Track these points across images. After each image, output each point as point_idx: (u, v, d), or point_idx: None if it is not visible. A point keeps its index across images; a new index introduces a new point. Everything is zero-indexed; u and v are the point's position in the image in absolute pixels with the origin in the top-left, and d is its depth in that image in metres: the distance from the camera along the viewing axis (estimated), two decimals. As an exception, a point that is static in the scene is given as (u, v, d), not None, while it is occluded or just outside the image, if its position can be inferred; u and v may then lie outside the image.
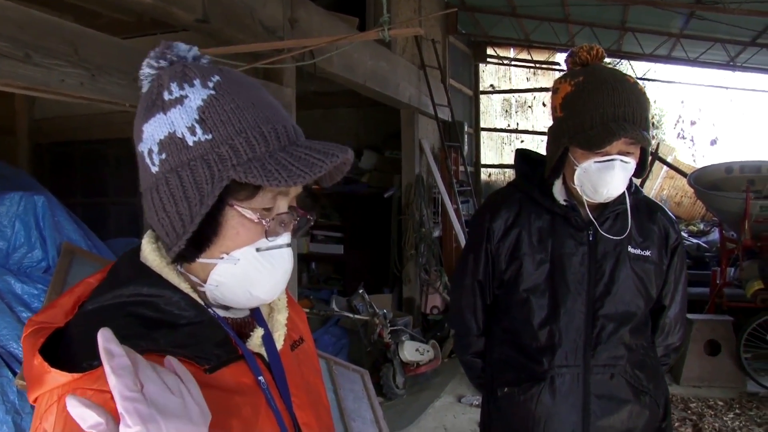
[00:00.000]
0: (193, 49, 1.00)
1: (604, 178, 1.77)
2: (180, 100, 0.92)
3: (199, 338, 0.95)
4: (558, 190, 1.93)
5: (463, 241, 7.23)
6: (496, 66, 11.31)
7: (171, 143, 0.91)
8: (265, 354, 1.04)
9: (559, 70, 11.73)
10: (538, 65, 11.83)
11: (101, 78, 2.93)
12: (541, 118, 13.68)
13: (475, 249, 2.00)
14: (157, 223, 0.95)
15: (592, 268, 1.88)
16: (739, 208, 6.34)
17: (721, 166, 7.34)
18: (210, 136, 0.89)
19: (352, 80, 5.43)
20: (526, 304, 1.91)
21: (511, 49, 11.26)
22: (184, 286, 0.98)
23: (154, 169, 0.92)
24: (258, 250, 0.96)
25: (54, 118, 5.54)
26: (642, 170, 1.87)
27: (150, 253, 1.00)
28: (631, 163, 1.79)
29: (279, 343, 1.08)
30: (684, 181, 8.88)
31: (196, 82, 0.93)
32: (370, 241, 8.20)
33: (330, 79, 5.26)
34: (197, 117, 0.90)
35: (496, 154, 11.45)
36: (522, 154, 2.10)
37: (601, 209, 1.89)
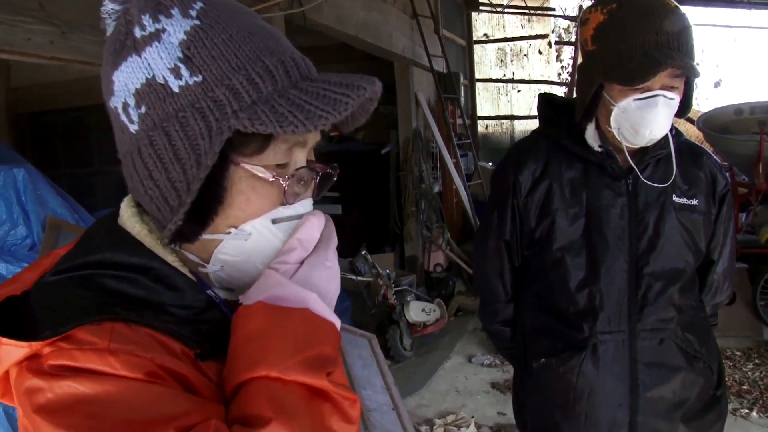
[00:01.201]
0: None
1: (645, 117, 1.56)
2: (156, 36, 0.73)
3: (191, 319, 0.76)
4: (591, 136, 1.71)
5: (465, 196, 7.06)
6: (489, 14, 11.00)
7: (151, 92, 0.72)
8: None
9: (555, 16, 11.44)
10: (532, 11, 11.53)
11: (72, 35, 2.68)
12: (538, 66, 13.41)
13: (500, 206, 1.79)
14: (144, 195, 0.77)
15: (633, 221, 1.67)
16: (753, 150, 6.09)
17: (730, 108, 7.04)
18: (200, 78, 0.71)
19: (343, 32, 5.19)
20: (560, 264, 1.71)
21: (505, -4, 10.94)
22: (171, 258, 0.79)
23: (133, 128, 0.74)
24: (275, 221, 0.78)
25: (31, 86, 5.27)
26: (686, 108, 1.66)
27: (129, 218, 0.81)
28: (676, 99, 1.58)
29: None
30: (688, 126, 8.63)
31: (174, 11, 0.74)
32: (369, 199, 8.01)
33: (321, 31, 5.01)
34: (181, 54, 0.72)
35: (492, 105, 11.23)
36: (546, 99, 1.88)
37: (641, 155, 1.68)
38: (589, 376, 1.66)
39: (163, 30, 0.72)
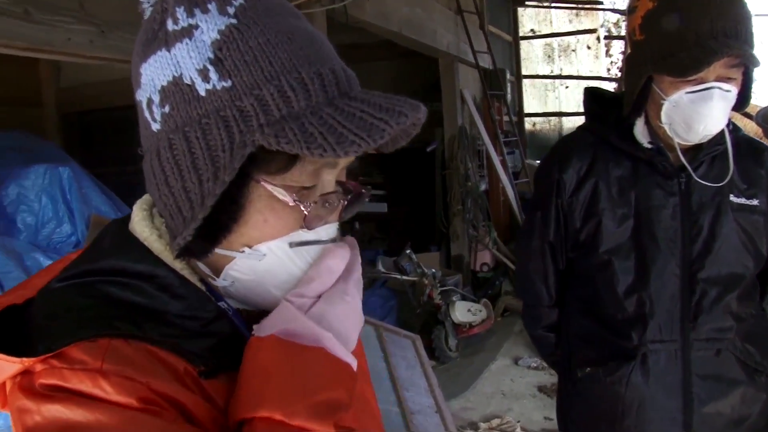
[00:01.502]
0: None
1: (699, 111, 1.45)
2: (188, 32, 0.67)
3: (196, 332, 0.71)
4: (640, 132, 1.61)
5: (512, 195, 6.93)
6: (536, 9, 10.81)
7: (176, 91, 0.67)
8: None
9: (604, 9, 11.20)
10: (580, 5, 11.28)
11: (112, 34, 2.67)
12: (586, 62, 13.13)
13: (544, 205, 1.70)
14: (159, 200, 0.72)
15: (686, 223, 1.57)
16: (816, 147, 5.81)
17: (791, 101, 6.78)
18: (228, 83, 0.65)
19: (386, 28, 5.11)
20: (607, 268, 1.61)
21: (552, -10, 10.72)
22: (179, 266, 0.74)
23: (155, 126, 0.70)
24: (291, 245, 0.72)
25: (80, 85, 5.34)
26: (744, 102, 1.54)
27: (140, 222, 0.77)
28: (733, 91, 1.46)
29: None
30: (746, 121, 8.33)
31: (212, 6, 0.68)
32: (415, 198, 7.94)
33: (363, 28, 4.95)
34: (212, 55, 0.66)
35: (539, 102, 11.05)
36: (592, 93, 1.78)
37: (694, 152, 1.57)
38: (639, 388, 1.57)
39: (196, 26, 0.67)
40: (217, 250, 0.72)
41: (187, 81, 0.66)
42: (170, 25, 0.68)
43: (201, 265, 0.76)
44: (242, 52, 0.65)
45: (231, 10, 0.67)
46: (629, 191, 1.60)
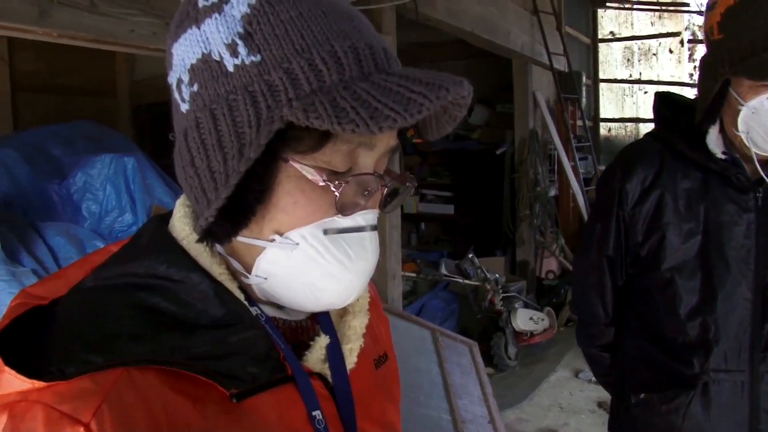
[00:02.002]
0: None
1: None
2: (218, 6, 0.64)
3: (229, 348, 0.64)
4: (714, 141, 1.48)
5: (582, 202, 6.73)
6: (617, 11, 10.47)
7: (205, 69, 0.64)
8: (328, 375, 0.73)
9: (689, 12, 10.77)
10: (663, 8, 10.88)
11: (175, 27, 2.69)
12: (668, 66, 12.67)
13: (604, 217, 1.59)
14: (185, 183, 0.68)
15: (762, 242, 1.44)
16: None
17: None
18: (258, 58, 0.62)
19: (458, 27, 5.00)
20: (670, 286, 1.49)
21: (634, -9, 10.38)
22: (218, 271, 0.68)
23: (184, 107, 0.66)
24: (326, 232, 0.67)
25: (153, 78, 5.46)
26: None
27: (180, 219, 0.73)
28: None
29: (351, 361, 0.77)
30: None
31: None
32: (482, 200, 7.81)
33: (434, 26, 4.87)
34: (241, 29, 0.63)
35: (616, 107, 10.71)
36: (664, 98, 1.65)
37: None
38: (698, 420, 1.44)
39: (227, 1, 0.64)
40: (247, 239, 0.67)
41: (216, 57, 0.63)
42: (201, 2, 0.65)
43: (234, 263, 0.70)
44: (273, 25, 0.62)
45: None
46: (698, 205, 1.48)
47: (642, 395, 1.53)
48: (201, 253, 0.69)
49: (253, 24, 0.62)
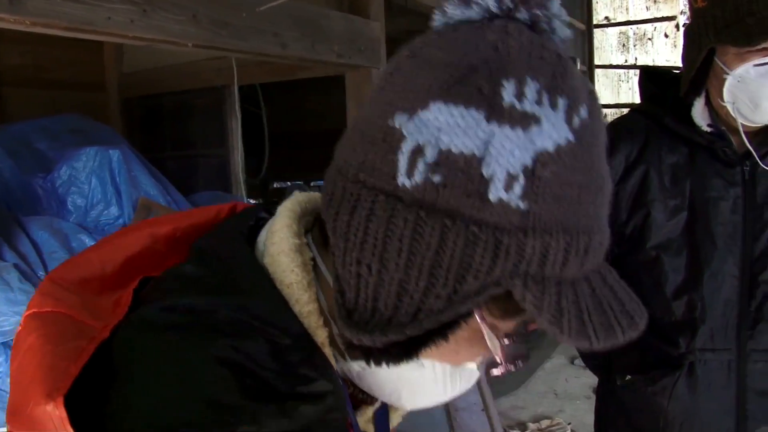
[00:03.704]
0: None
1: None
2: (524, 121, 0.50)
3: (318, 424, 0.55)
4: (699, 113, 1.43)
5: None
6: (612, -4, 10.43)
7: (464, 172, 0.50)
8: None
9: (684, -4, 10.73)
10: (659, -8, 10.81)
11: (155, 14, 2.62)
12: (663, 51, 12.62)
13: (587, 195, 1.54)
14: (343, 260, 0.55)
15: (749, 217, 1.39)
16: None
17: None
18: (524, 207, 0.50)
19: (448, 13, 4.93)
20: (655, 265, 1.44)
21: (629, -24, 10.33)
22: (322, 336, 0.60)
23: (403, 180, 0.51)
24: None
25: (143, 71, 5.40)
26: None
27: (289, 253, 0.60)
28: None
29: (395, 422, 0.76)
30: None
31: (562, 103, 0.51)
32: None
33: (425, 13, 4.81)
34: (530, 164, 0.50)
35: (612, 93, 10.68)
36: (649, 72, 1.61)
37: (763, 136, 1.39)
38: (684, 401, 1.40)
39: (537, 120, 0.50)
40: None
41: (486, 174, 0.50)
42: (507, 96, 0.50)
43: (338, 338, 0.62)
44: (561, 182, 0.51)
45: (576, 122, 0.52)
46: (684, 181, 1.43)
47: (628, 377, 1.49)
48: (307, 304, 0.59)
49: (546, 167, 0.50)
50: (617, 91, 10.93)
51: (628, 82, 11.25)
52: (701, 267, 1.40)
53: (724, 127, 1.41)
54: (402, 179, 0.51)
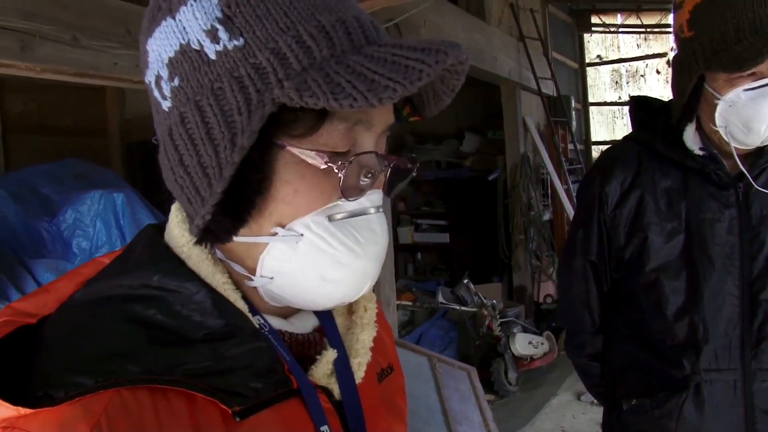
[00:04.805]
0: None
1: (759, 110, 1.31)
2: None
3: (230, 362, 0.61)
4: (691, 138, 1.47)
5: (575, 223, 6.70)
6: (602, 35, 10.59)
7: (185, 60, 0.60)
8: (336, 389, 0.69)
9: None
10: (649, 30, 10.98)
11: (159, 59, 2.70)
12: (656, 87, 12.75)
13: (585, 222, 1.57)
14: (175, 185, 0.63)
15: (745, 238, 1.42)
16: None
17: None
18: (240, 41, 0.58)
19: (443, 54, 5.02)
20: (655, 288, 1.47)
21: (618, 15, 10.49)
22: (221, 279, 0.65)
23: (166, 105, 0.62)
24: (331, 219, 0.62)
25: (144, 116, 5.49)
26: None
27: (178, 225, 0.68)
28: None
29: (359, 375, 0.73)
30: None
31: None
32: (476, 227, 7.80)
33: None
34: (220, 14, 0.58)
35: (607, 129, 10.77)
36: (639, 101, 1.65)
37: (755, 158, 1.43)
38: (692, 423, 1.41)
39: None
40: (247, 238, 0.63)
41: (195, 46, 0.59)
42: None
43: (236, 266, 0.66)
44: (253, 6, 0.58)
45: None
46: (679, 204, 1.47)
47: (634, 401, 1.50)
48: (203, 260, 0.65)
49: (231, 7, 0.58)
50: (612, 128, 11.03)
51: (622, 118, 11.35)
52: (701, 288, 1.42)
53: (716, 151, 1.45)
54: (165, 104, 0.62)
